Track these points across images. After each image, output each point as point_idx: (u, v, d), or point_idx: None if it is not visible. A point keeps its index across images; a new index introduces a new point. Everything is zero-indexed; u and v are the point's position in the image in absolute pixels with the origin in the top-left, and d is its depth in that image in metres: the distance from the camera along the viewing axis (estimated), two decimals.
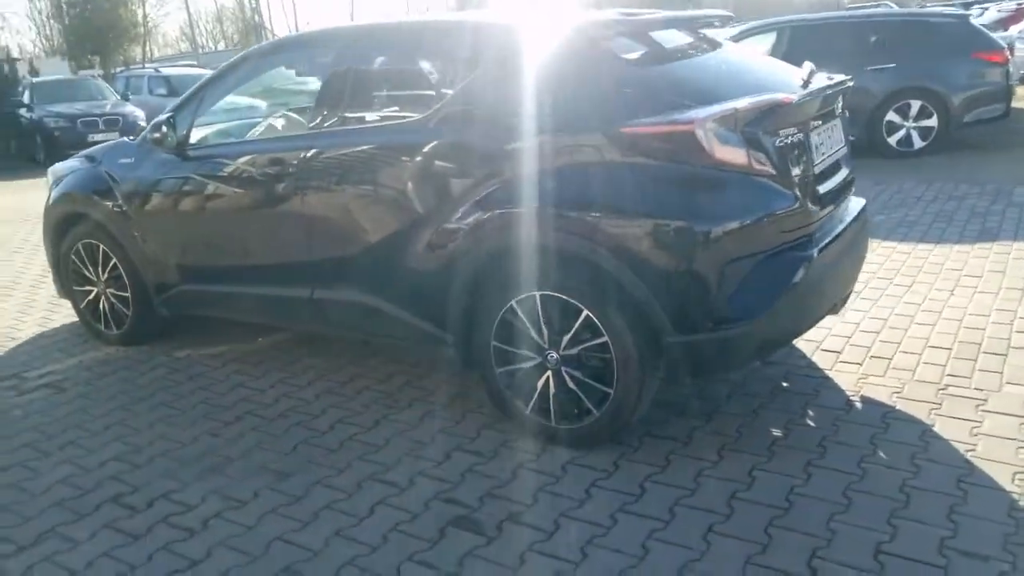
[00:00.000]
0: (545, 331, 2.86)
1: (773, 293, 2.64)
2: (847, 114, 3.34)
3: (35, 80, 17.53)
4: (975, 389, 3.18)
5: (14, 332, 4.71)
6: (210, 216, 3.68)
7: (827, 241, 2.87)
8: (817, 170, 2.86)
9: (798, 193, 2.72)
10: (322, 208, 3.29)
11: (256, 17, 58.14)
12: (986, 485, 2.54)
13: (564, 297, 2.78)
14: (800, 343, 3.73)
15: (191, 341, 4.28)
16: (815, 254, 2.75)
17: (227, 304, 3.83)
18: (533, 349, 2.91)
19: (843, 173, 3.16)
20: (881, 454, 2.76)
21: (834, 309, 3.06)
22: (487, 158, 2.89)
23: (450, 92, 3.00)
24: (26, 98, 15.88)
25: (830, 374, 3.43)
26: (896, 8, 15.58)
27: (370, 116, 3.27)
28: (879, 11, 11.19)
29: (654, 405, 3.02)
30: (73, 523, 2.67)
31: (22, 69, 23.17)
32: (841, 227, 3.03)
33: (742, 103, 2.59)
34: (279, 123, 3.95)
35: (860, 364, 3.49)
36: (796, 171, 2.72)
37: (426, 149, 3.02)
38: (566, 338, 2.82)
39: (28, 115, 15.37)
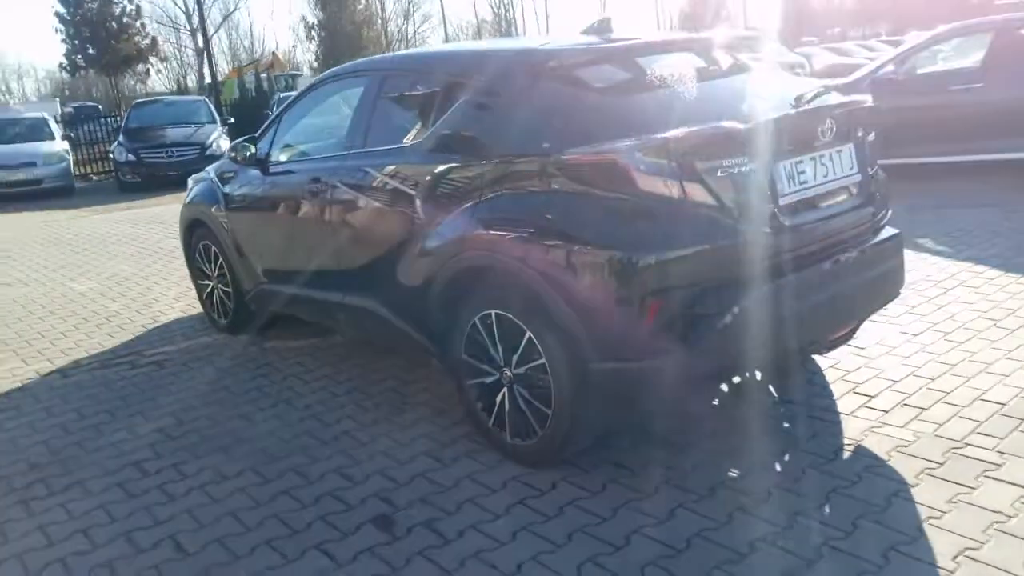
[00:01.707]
0: (500, 349, 2.95)
1: (701, 328, 2.54)
2: (869, 137, 3.06)
3: (281, 94, 19.91)
4: (997, 452, 2.79)
5: (161, 316, 5.55)
6: (276, 224, 4.15)
7: (795, 276, 2.68)
8: (786, 202, 2.69)
9: (747, 226, 2.59)
10: (343, 223, 3.61)
11: (513, 31, 61.14)
12: (917, 558, 2.26)
13: (511, 317, 2.86)
14: (836, 382, 3.47)
15: (287, 334, 4.79)
16: (765, 290, 2.59)
17: (292, 304, 4.27)
18: (492, 365, 3.01)
19: (848, 204, 2.92)
20: (826, 509, 2.54)
21: (812, 348, 2.83)
22: (455, 182, 3.04)
23: (443, 118, 3.18)
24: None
25: (846, 418, 3.16)
26: None
27: (382, 140, 3.52)
28: None
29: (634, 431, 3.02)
30: (95, 478, 3.19)
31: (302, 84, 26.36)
32: (832, 261, 2.81)
33: (675, 133, 2.52)
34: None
35: (886, 411, 3.17)
36: (745, 203, 2.59)
37: (414, 172, 3.23)
38: (515, 357, 2.89)
39: None
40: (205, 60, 28.13)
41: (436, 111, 3.21)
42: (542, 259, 2.69)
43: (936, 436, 2.95)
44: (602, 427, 2.88)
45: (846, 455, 2.88)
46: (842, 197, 2.93)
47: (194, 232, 5.00)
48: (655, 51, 3.12)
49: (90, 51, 30.28)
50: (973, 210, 6.36)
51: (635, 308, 2.54)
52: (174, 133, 14.70)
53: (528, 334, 2.80)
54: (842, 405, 3.28)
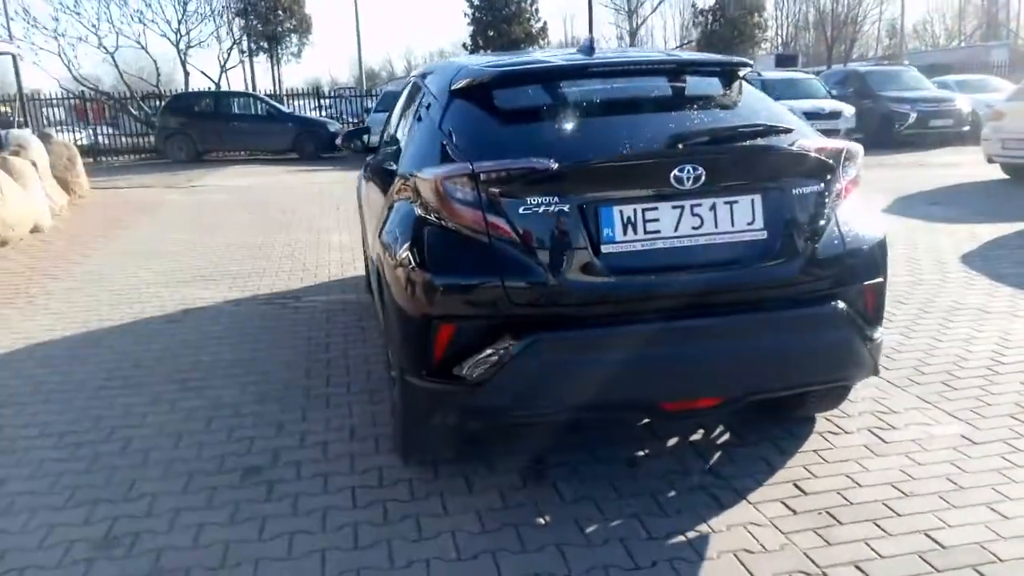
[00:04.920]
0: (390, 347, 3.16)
1: (486, 362, 2.49)
2: (806, 188, 2.59)
3: None
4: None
5: (349, 271, 6.51)
6: (367, 201, 4.74)
7: (620, 329, 2.50)
8: (612, 249, 2.47)
9: (550, 269, 2.47)
10: (372, 206, 4.04)
11: (1001, 13, 52.86)
12: None
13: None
14: (786, 469, 2.99)
15: None
16: (567, 337, 2.47)
17: None
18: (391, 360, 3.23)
19: (745, 261, 2.56)
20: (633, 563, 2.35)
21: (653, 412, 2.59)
22: (384, 187, 3.31)
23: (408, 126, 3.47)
24: None
25: (742, 506, 2.76)
26: None
27: (396, 139, 3.86)
28: None
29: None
30: (150, 385, 4.07)
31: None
32: (695, 321, 2.54)
33: (480, 165, 2.48)
34: None
35: (795, 513, 2.69)
36: (551, 246, 2.47)
37: (390, 173, 3.52)
38: (390, 356, 3.10)
39: None
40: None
41: (411, 118, 3.47)
42: (384, 267, 2.89)
43: (804, 554, 2.46)
44: (430, 438, 2.94)
45: (675, 540, 2.56)
46: (734, 253, 2.55)
47: None
48: (596, 74, 2.98)
49: (489, 34, 33.72)
50: None
51: (428, 329, 2.58)
52: None
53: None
54: (758, 494, 2.84)
